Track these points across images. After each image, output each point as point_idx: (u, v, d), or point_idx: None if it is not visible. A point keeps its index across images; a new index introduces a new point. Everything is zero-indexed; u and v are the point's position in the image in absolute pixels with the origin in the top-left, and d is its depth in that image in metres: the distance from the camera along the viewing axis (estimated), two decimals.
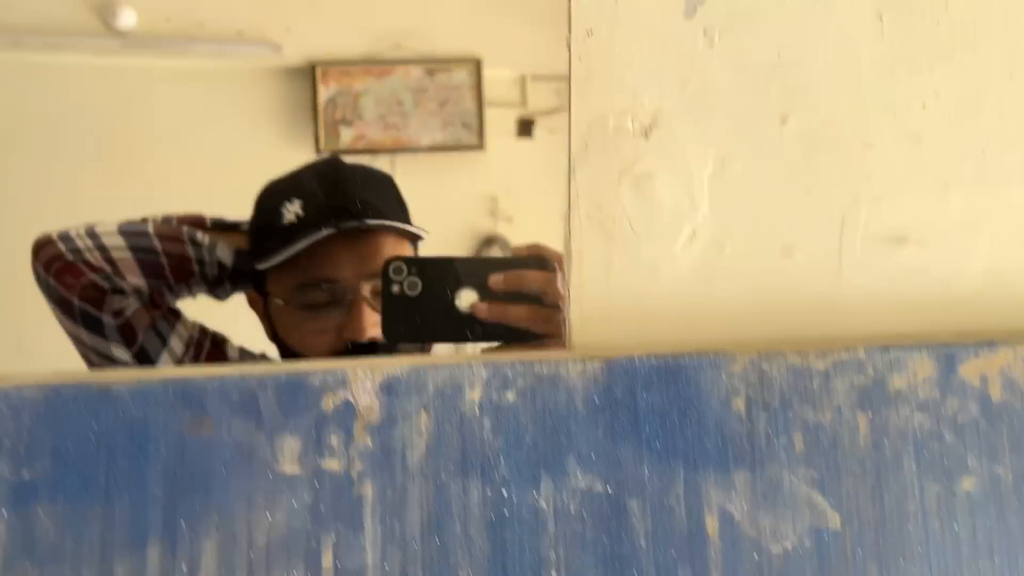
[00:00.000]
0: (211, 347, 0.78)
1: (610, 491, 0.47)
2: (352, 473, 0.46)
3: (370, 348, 0.69)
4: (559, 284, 0.52)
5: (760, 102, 0.52)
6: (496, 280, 0.53)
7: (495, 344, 0.56)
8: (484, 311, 0.52)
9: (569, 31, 0.51)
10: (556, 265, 0.55)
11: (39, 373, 0.46)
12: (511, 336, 0.52)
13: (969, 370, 0.49)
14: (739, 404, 0.48)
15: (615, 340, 0.51)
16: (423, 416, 0.46)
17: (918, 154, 0.53)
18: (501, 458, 0.46)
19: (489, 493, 0.46)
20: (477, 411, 0.47)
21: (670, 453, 0.47)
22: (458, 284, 0.53)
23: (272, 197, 0.75)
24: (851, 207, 0.53)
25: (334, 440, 0.46)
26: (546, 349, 0.53)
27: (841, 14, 0.53)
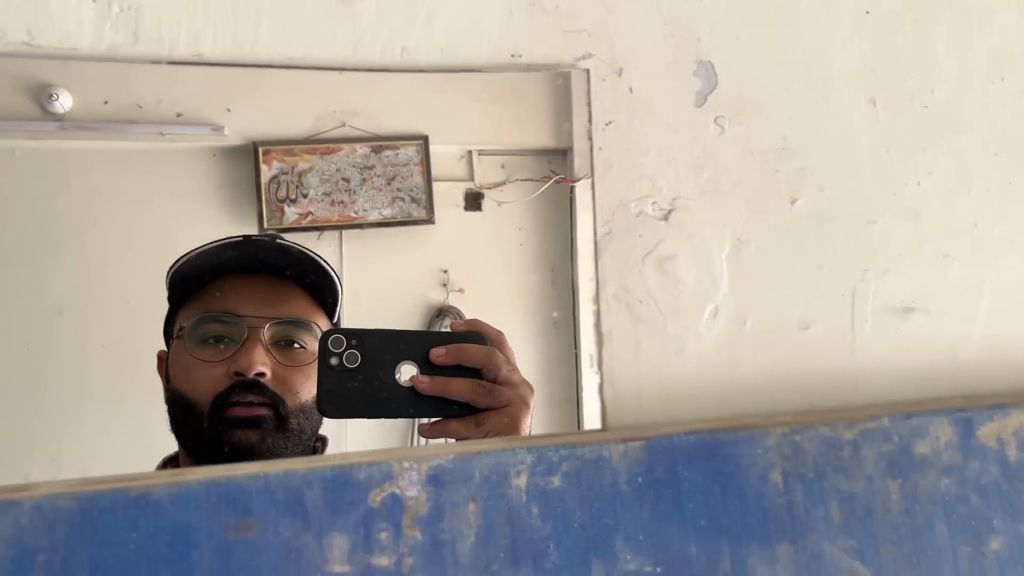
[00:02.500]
0: None
1: (659, 572, 0.47)
2: (403, 569, 0.45)
3: (257, 387, 0.67)
4: (498, 359, 0.53)
5: (770, 184, 0.55)
6: (438, 354, 0.53)
7: (432, 419, 0.55)
8: (425, 385, 0.52)
9: (590, 123, 0.53)
10: (493, 340, 0.55)
11: (69, 481, 0.45)
12: (447, 410, 0.52)
13: (986, 433, 0.52)
14: (776, 477, 0.49)
15: (647, 417, 0.52)
16: (471, 506, 0.46)
17: (917, 228, 0.57)
18: (551, 544, 0.46)
19: None
20: (524, 497, 0.47)
21: (715, 530, 0.48)
22: (398, 357, 0.53)
23: (209, 243, 0.75)
24: (860, 281, 0.56)
25: (383, 535, 0.45)
26: (483, 421, 0.52)
27: (838, 100, 0.57)
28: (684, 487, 0.48)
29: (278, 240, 0.71)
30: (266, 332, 0.65)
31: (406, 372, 0.52)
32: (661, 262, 0.53)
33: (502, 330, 0.55)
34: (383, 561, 0.45)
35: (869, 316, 0.55)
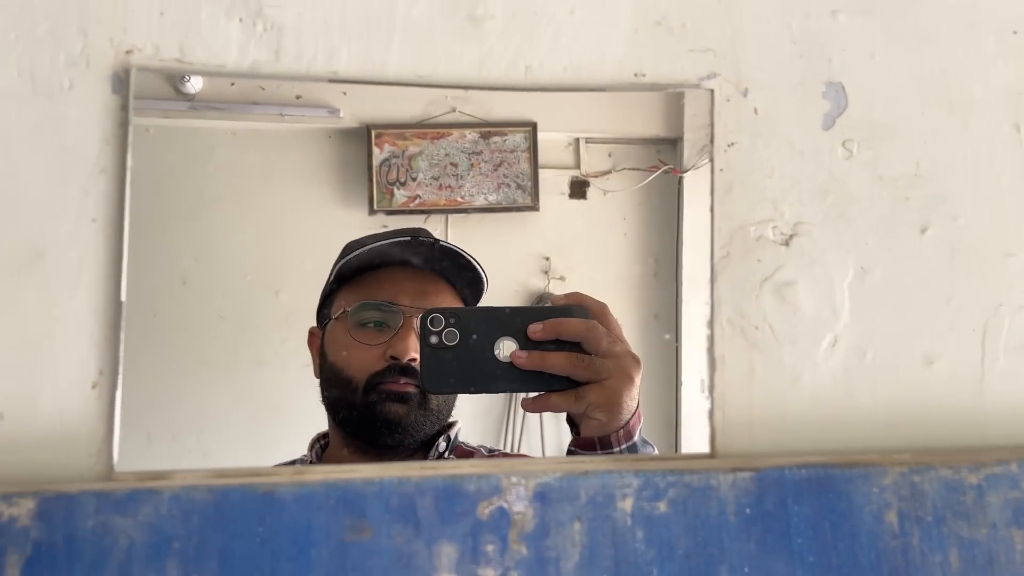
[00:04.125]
0: None
1: None
2: None
3: (410, 371, 0.71)
4: (598, 331, 0.53)
5: (899, 212, 0.53)
6: (535, 329, 0.53)
7: (535, 393, 0.56)
8: (523, 360, 0.53)
9: (712, 144, 0.53)
10: (595, 313, 0.55)
11: (204, 471, 0.48)
12: (551, 384, 0.52)
13: None
14: (892, 518, 0.48)
15: (757, 447, 0.51)
16: (576, 525, 0.47)
17: None
18: (654, 570, 0.46)
19: None
20: (629, 521, 0.47)
21: (823, 568, 0.47)
22: (497, 334, 0.54)
23: (364, 237, 0.80)
24: (992, 316, 0.53)
25: (489, 548, 0.46)
26: (583, 395, 0.52)
27: (978, 126, 0.54)
28: (793, 521, 0.47)
29: (440, 243, 0.75)
30: (418, 321, 0.69)
31: (506, 348, 0.54)
32: (780, 288, 0.52)
33: (605, 303, 0.55)
34: (489, 573, 0.46)
35: (1001, 354, 0.53)
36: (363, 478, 0.47)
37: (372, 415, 0.59)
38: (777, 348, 0.52)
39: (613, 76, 0.53)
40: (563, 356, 0.52)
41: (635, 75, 0.53)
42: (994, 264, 0.53)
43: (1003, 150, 0.54)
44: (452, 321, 0.55)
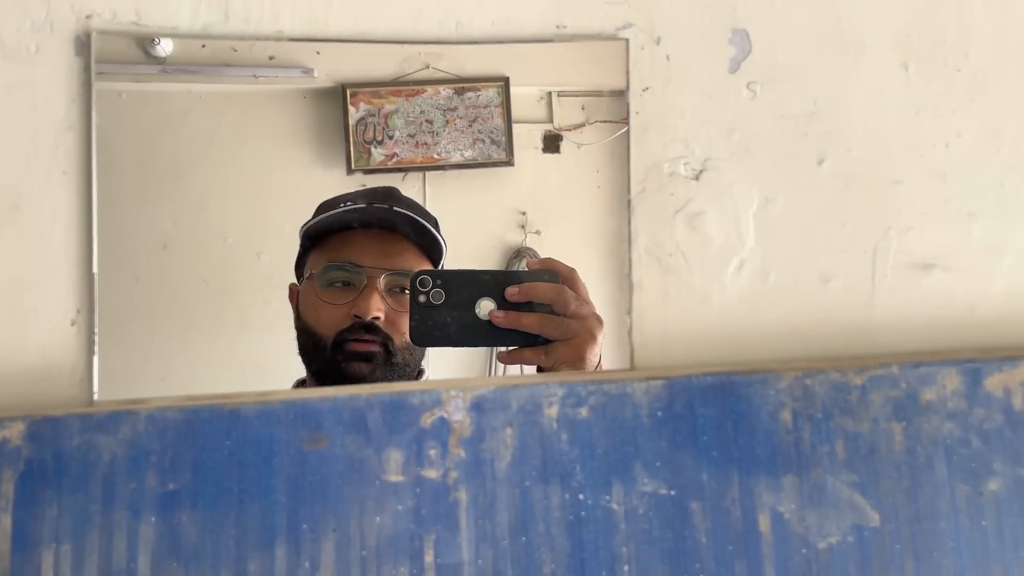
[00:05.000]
0: None
1: (673, 494, 0.53)
2: (448, 481, 0.52)
3: (373, 328, 0.77)
4: (567, 295, 0.59)
5: (799, 147, 0.59)
6: (511, 292, 0.60)
7: (507, 348, 0.62)
8: (500, 319, 0.59)
9: (628, 89, 0.58)
10: (565, 278, 0.61)
11: (176, 397, 0.54)
12: (523, 340, 0.59)
13: (993, 383, 0.55)
14: (786, 416, 0.54)
15: (672, 360, 0.58)
16: (508, 430, 0.53)
17: (943, 189, 0.59)
18: (577, 467, 0.53)
19: (567, 497, 0.52)
20: (555, 425, 0.53)
21: (726, 460, 0.53)
22: (477, 295, 0.60)
23: (337, 197, 0.84)
24: (882, 238, 0.59)
25: (432, 452, 0.53)
26: (552, 351, 0.59)
27: (870, 65, 0.59)
28: (700, 422, 0.54)
29: (394, 208, 0.79)
30: (382, 281, 0.74)
31: (485, 307, 0.60)
32: (691, 219, 0.58)
33: (574, 267, 0.61)
34: (432, 474, 0.52)
35: (890, 272, 0.59)
36: (319, 396, 0.53)
37: (339, 372, 0.64)
38: (689, 272, 0.58)
39: (537, 28, 0.58)
40: (535, 317, 0.59)
41: (557, 27, 0.58)
42: (884, 191, 0.59)
43: (892, 88, 0.59)
44: (439, 282, 0.61)
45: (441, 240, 0.91)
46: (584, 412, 0.54)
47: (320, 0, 0.57)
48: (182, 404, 0.53)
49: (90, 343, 0.55)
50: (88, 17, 0.56)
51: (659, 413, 0.54)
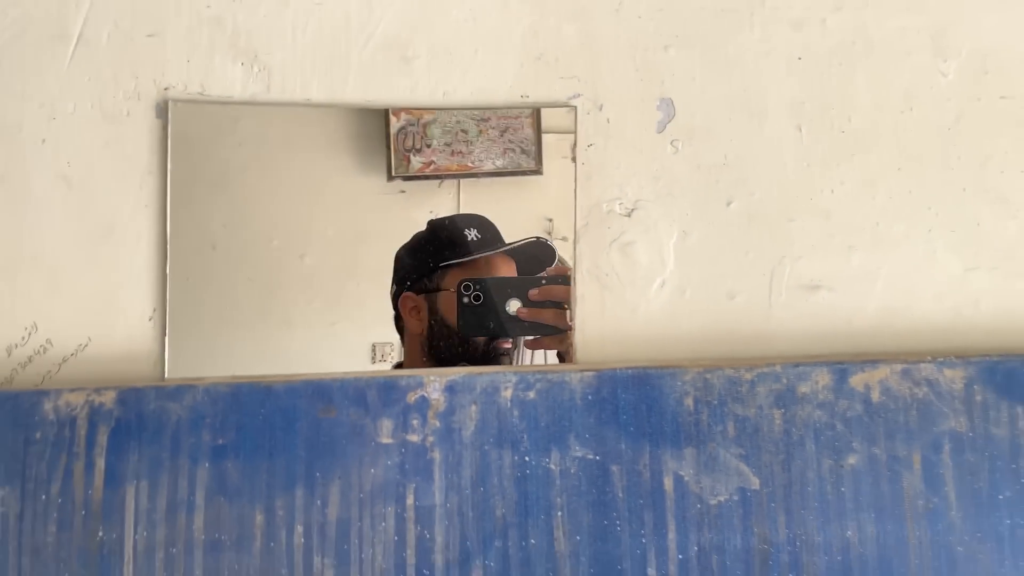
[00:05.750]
0: None
1: (598, 459, 0.69)
2: (426, 444, 0.69)
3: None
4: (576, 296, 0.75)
5: (712, 191, 0.74)
6: (533, 293, 0.77)
7: (531, 337, 0.78)
8: (525, 314, 0.76)
9: (575, 146, 0.74)
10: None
11: (225, 376, 0.71)
12: (543, 331, 0.75)
13: (856, 380, 0.70)
14: (689, 402, 0.70)
15: (607, 357, 0.74)
16: (473, 407, 0.70)
17: (828, 226, 0.74)
18: (525, 436, 0.69)
19: (516, 459, 0.69)
20: (509, 404, 0.70)
21: (640, 434, 0.69)
22: (508, 296, 0.76)
23: (453, 225, 0.99)
24: (778, 264, 0.74)
25: (414, 422, 0.69)
26: (565, 339, 0.74)
27: (771, 127, 0.75)
28: (621, 404, 0.70)
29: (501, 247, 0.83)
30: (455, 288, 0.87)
31: (513, 305, 0.77)
32: (623, 247, 0.74)
33: None
34: (414, 438, 0.69)
35: (783, 291, 0.74)
36: (331, 377, 0.70)
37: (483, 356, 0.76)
38: (621, 289, 0.74)
39: (506, 97, 0.75)
40: (552, 312, 0.76)
41: (521, 96, 0.75)
42: (780, 227, 0.74)
43: (788, 145, 0.75)
44: (478, 288, 0.78)
45: (537, 254, 0.98)
46: (532, 395, 0.70)
47: (339, 76, 0.75)
48: (229, 381, 0.70)
49: (163, 334, 0.73)
50: (166, 89, 0.74)
51: (589, 397, 0.70)
